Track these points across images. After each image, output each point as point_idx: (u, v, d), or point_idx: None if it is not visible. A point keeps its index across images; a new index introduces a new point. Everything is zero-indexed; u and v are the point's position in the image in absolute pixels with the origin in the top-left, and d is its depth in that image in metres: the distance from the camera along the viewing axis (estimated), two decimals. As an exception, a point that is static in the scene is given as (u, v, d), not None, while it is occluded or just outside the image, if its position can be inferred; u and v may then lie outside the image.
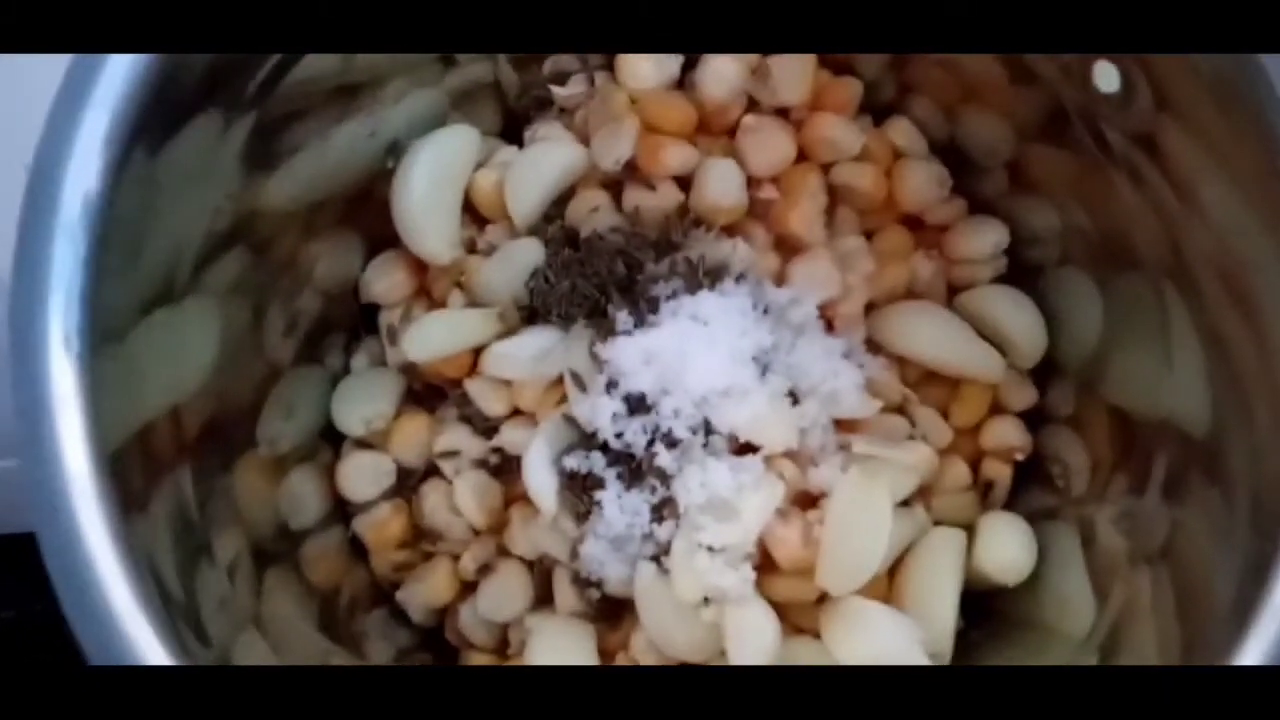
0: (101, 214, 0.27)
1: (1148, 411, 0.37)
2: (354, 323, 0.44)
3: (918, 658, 0.37)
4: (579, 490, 0.38)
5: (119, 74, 0.28)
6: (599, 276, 0.39)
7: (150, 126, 0.29)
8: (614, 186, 0.41)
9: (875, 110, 0.43)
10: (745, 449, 0.38)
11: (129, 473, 0.29)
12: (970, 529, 0.40)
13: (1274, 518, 0.30)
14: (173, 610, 0.29)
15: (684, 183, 0.41)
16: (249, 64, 0.33)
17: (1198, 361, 0.35)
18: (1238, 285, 0.32)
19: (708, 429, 0.37)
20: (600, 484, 0.38)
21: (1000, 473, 0.42)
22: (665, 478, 0.37)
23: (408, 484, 0.42)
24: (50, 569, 0.26)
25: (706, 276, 0.39)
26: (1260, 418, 0.32)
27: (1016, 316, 0.41)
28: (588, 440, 0.38)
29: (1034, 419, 0.42)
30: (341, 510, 0.42)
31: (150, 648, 0.27)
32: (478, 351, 0.41)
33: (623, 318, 0.38)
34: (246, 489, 0.37)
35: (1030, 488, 0.42)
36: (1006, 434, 0.42)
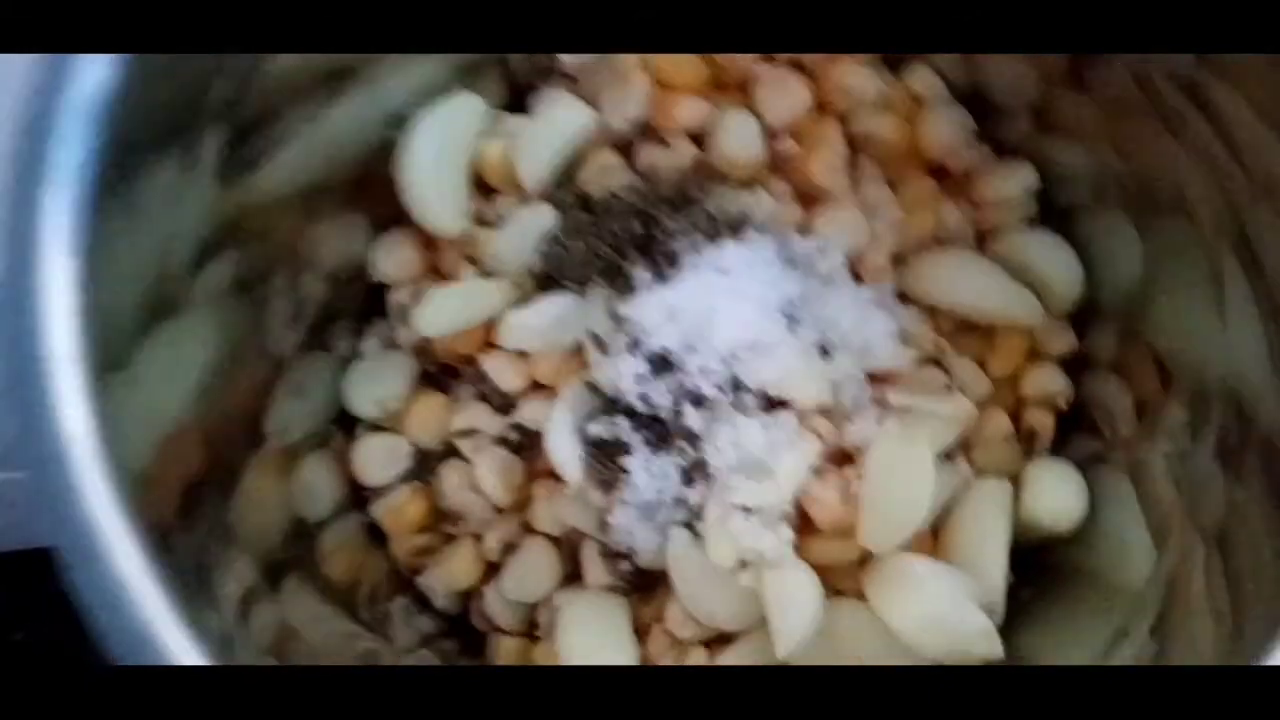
0: (87, 236, 0.26)
1: (1196, 360, 0.36)
2: (362, 306, 0.42)
3: (970, 613, 0.35)
4: (605, 458, 0.36)
5: (82, 103, 0.27)
6: (614, 236, 0.38)
7: (124, 148, 0.28)
8: (626, 149, 0.40)
9: (892, 60, 0.42)
10: (776, 406, 0.36)
11: (144, 480, 0.27)
12: (1014, 480, 0.39)
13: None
14: (200, 611, 0.27)
15: (699, 141, 0.39)
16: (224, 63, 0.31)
17: (1256, 331, 0.33)
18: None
19: (736, 386, 0.36)
20: (626, 449, 0.36)
21: (1043, 421, 0.40)
22: (694, 439, 0.36)
23: (426, 466, 0.41)
24: (76, 583, 0.25)
25: (728, 228, 0.37)
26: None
27: (1050, 259, 0.40)
28: (611, 405, 0.37)
29: (1075, 366, 0.41)
30: (357, 497, 0.41)
31: (182, 650, 0.26)
32: (491, 328, 0.39)
33: (641, 274, 0.37)
34: (258, 490, 0.36)
35: (1074, 436, 0.40)
36: (1046, 381, 0.40)
